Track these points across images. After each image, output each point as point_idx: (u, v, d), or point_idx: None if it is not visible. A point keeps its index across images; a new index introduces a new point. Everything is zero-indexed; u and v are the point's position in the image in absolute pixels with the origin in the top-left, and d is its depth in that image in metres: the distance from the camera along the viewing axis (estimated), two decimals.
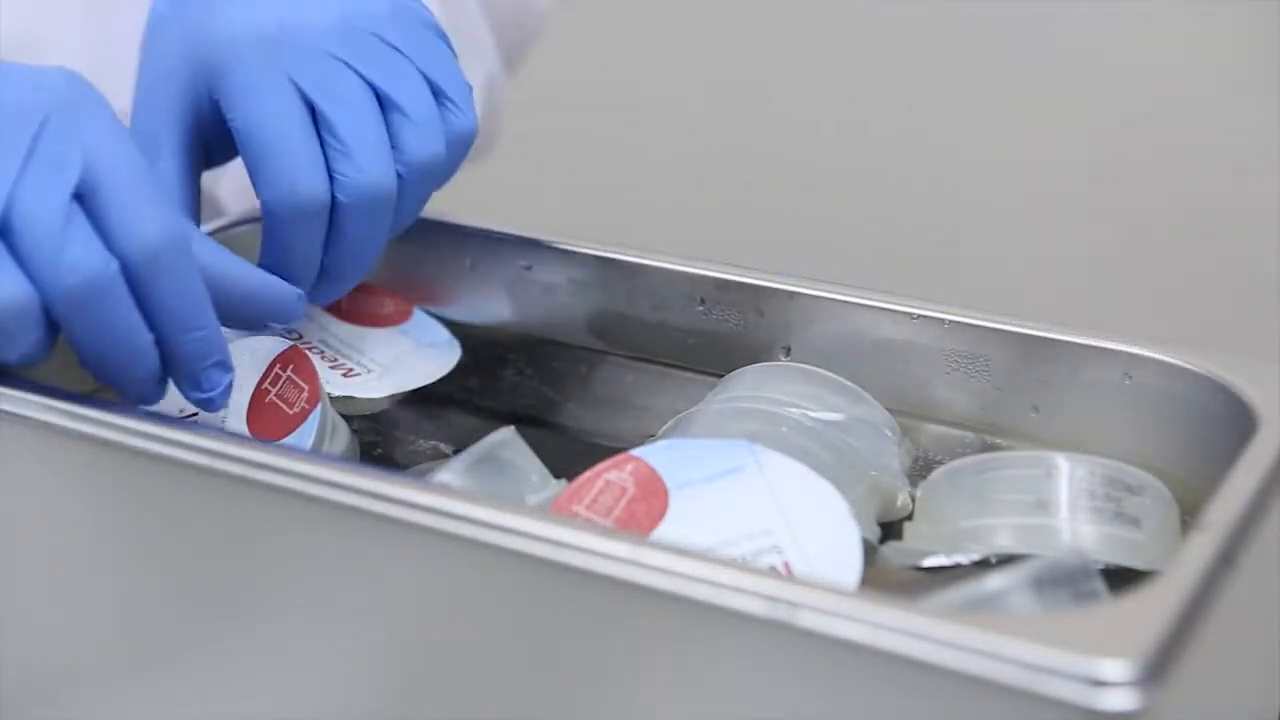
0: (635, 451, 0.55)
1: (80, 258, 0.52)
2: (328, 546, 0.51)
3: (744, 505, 0.53)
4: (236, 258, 0.60)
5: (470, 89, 0.64)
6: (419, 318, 0.70)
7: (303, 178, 0.60)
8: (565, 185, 1.46)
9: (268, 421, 0.61)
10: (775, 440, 0.57)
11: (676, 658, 0.47)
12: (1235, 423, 0.56)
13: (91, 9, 0.80)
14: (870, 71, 1.46)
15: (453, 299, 0.71)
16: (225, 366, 0.57)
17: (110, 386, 0.56)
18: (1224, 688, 0.49)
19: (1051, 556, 0.50)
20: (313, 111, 0.60)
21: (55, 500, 0.56)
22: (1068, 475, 0.56)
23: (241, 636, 0.53)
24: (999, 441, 0.63)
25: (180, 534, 0.54)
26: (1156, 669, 0.42)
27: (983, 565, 0.55)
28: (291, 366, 0.62)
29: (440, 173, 0.63)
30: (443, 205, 0.73)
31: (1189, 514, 0.56)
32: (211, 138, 0.63)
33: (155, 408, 0.56)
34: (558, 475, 0.58)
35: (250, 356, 0.61)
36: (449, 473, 0.56)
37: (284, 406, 0.61)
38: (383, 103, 0.61)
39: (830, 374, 0.62)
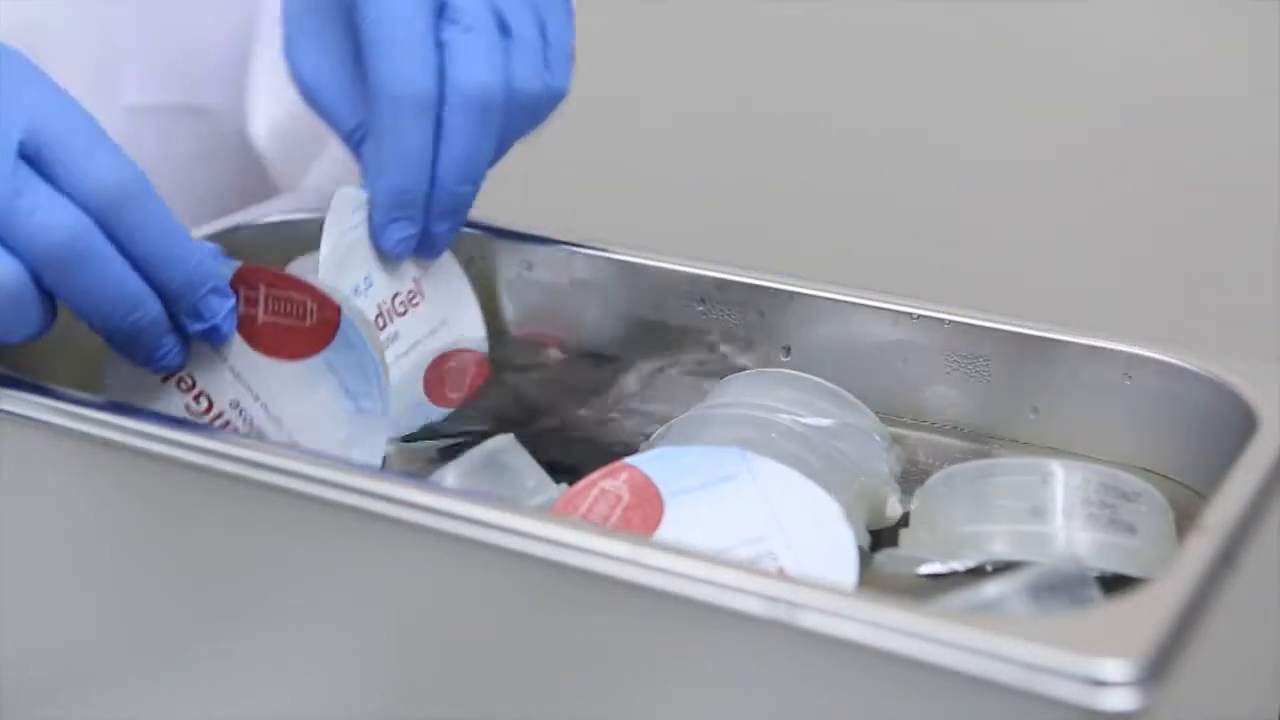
0: (630, 460, 0.55)
1: (48, 217, 0.52)
2: (328, 546, 0.51)
3: (738, 512, 0.53)
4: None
5: (573, 57, 0.66)
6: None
7: (419, 68, 0.61)
8: (565, 185, 1.46)
9: (284, 344, 0.58)
10: (766, 447, 0.57)
11: (676, 658, 0.47)
12: (1235, 423, 0.56)
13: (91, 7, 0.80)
14: (870, 72, 1.46)
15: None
16: (223, 292, 0.57)
17: (126, 352, 0.56)
18: (1224, 688, 0.49)
19: (1048, 563, 0.50)
20: (439, 14, 0.62)
21: (55, 500, 0.56)
22: (1064, 482, 0.56)
23: (241, 636, 0.53)
24: (999, 442, 0.63)
25: (180, 534, 0.54)
26: (1156, 669, 0.42)
27: (978, 572, 0.55)
28: (263, 283, 0.58)
29: (530, 116, 0.65)
30: None
31: (1188, 515, 0.56)
32: None
33: (179, 415, 0.56)
34: (556, 477, 0.58)
35: None
36: (448, 476, 0.56)
37: (290, 322, 0.59)
38: (501, 28, 0.63)
39: (820, 380, 0.62)
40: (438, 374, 0.66)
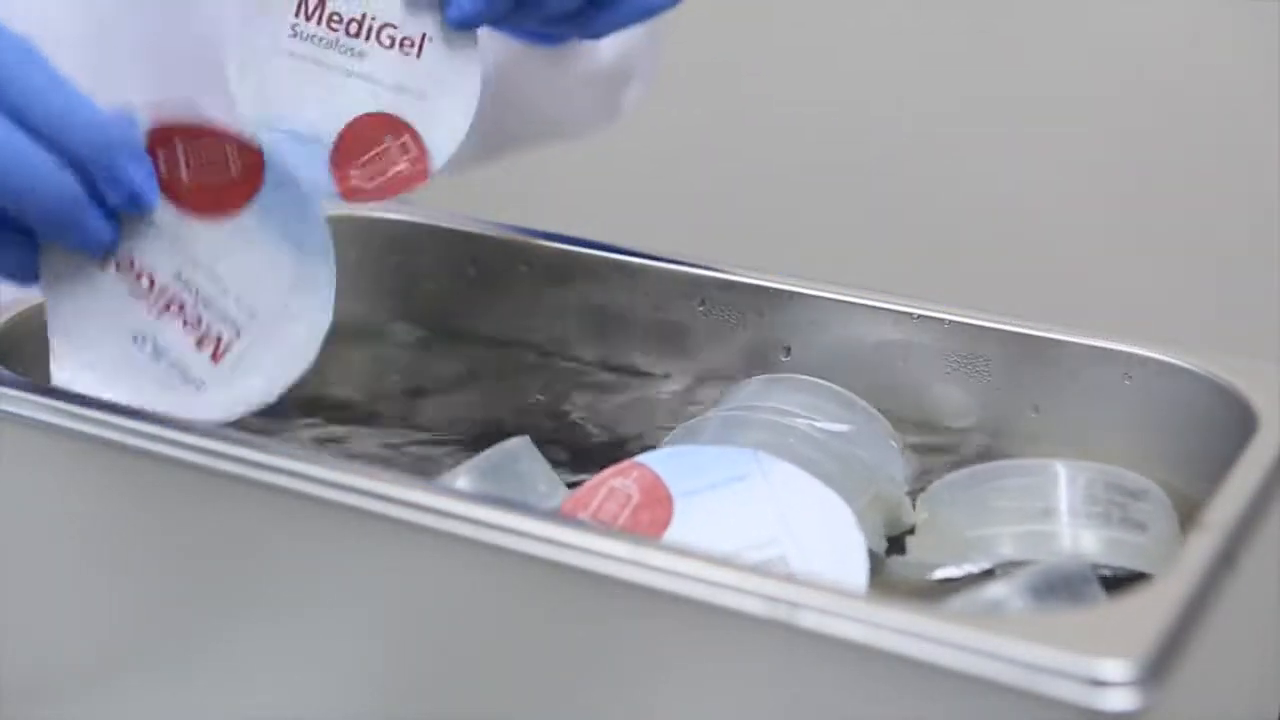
0: (640, 458, 0.55)
1: None
2: (329, 547, 0.51)
3: (748, 514, 0.53)
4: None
5: None
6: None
7: None
8: (565, 185, 1.46)
9: (213, 200, 0.57)
10: (782, 451, 0.57)
11: (677, 657, 0.47)
12: (1235, 423, 0.56)
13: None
14: (871, 72, 1.46)
15: (454, 301, 0.71)
16: (138, 157, 0.55)
17: (57, 238, 0.55)
18: (1224, 688, 0.49)
19: (1050, 562, 0.50)
20: None
21: (55, 500, 0.56)
22: (1072, 481, 0.56)
23: (242, 637, 0.53)
24: (999, 442, 0.63)
25: (180, 534, 0.54)
26: (1156, 669, 0.42)
27: (991, 575, 0.55)
28: (179, 139, 0.56)
29: None
30: (443, 206, 0.73)
31: (1188, 515, 0.56)
32: None
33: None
34: (563, 476, 0.58)
35: None
36: (460, 479, 0.56)
37: (215, 177, 0.57)
38: None
39: (837, 386, 0.62)
40: (359, 141, 0.61)
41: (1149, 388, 0.60)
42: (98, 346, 0.57)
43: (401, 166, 0.61)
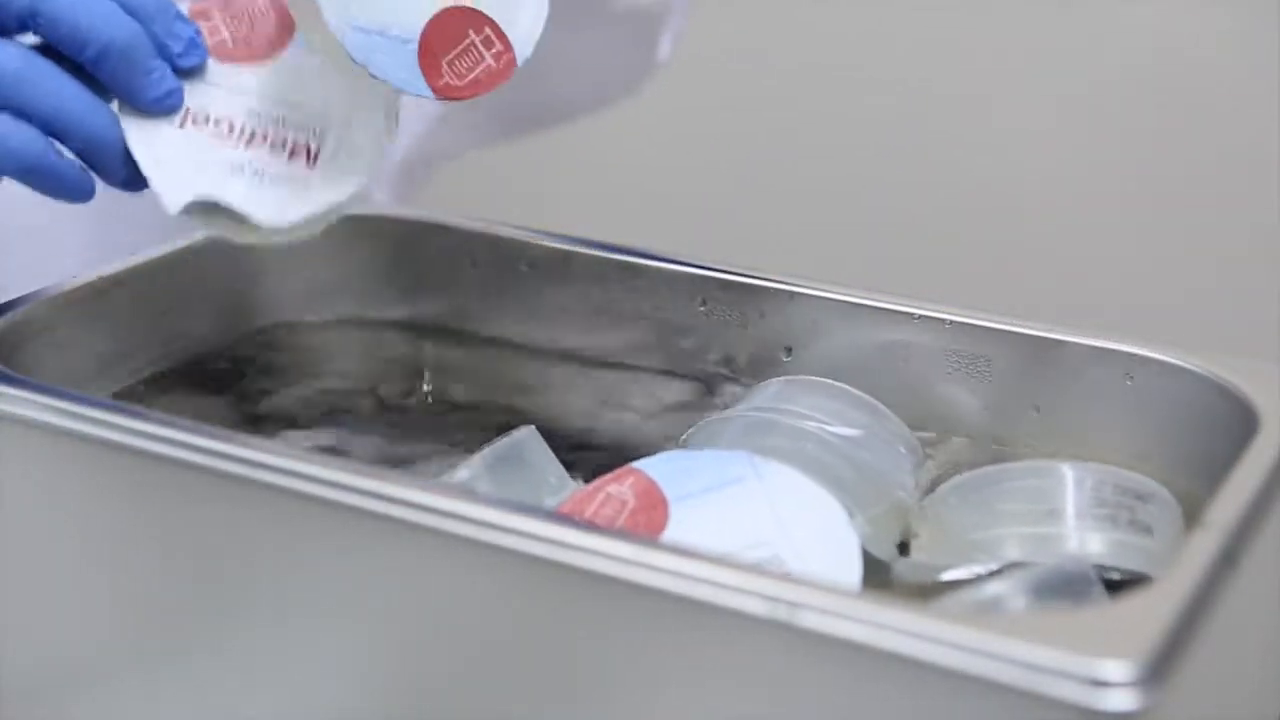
0: (635, 464, 0.55)
1: None
2: (329, 547, 0.51)
3: (743, 516, 0.53)
4: None
5: None
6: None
7: None
8: (566, 185, 1.46)
9: (261, 48, 0.60)
10: (799, 457, 0.57)
11: (678, 657, 0.47)
12: (1236, 423, 0.56)
13: None
14: (871, 71, 1.46)
15: (454, 300, 0.71)
16: (182, 16, 0.58)
17: (126, 90, 0.57)
18: (1225, 688, 0.49)
19: (1051, 563, 0.50)
20: None
21: (55, 500, 0.56)
22: (1079, 484, 0.56)
23: (242, 636, 0.53)
24: (1000, 442, 0.63)
25: (180, 534, 0.54)
26: (1157, 669, 0.42)
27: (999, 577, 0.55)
28: (216, 9, 0.60)
29: None
30: (443, 206, 0.73)
31: (1190, 515, 0.56)
32: None
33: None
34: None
35: None
36: (469, 470, 0.56)
37: (255, 29, 0.60)
38: None
39: (855, 390, 0.62)
40: (443, 37, 0.60)
41: (1150, 388, 0.60)
42: (198, 183, 0.58)
43: (488, 62, 0.60)
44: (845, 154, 1.48)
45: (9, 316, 0.62)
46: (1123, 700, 0.42)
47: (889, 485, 0.58)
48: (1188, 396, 0.59)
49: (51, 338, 0.63)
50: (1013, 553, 0.55)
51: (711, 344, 0.67)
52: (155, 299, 0.67)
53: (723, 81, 1.49)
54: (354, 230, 0.71)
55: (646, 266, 0.68)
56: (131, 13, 0.57)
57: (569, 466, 0.60)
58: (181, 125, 0.59)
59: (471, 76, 0.60)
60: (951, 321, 0.63)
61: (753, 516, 0.53)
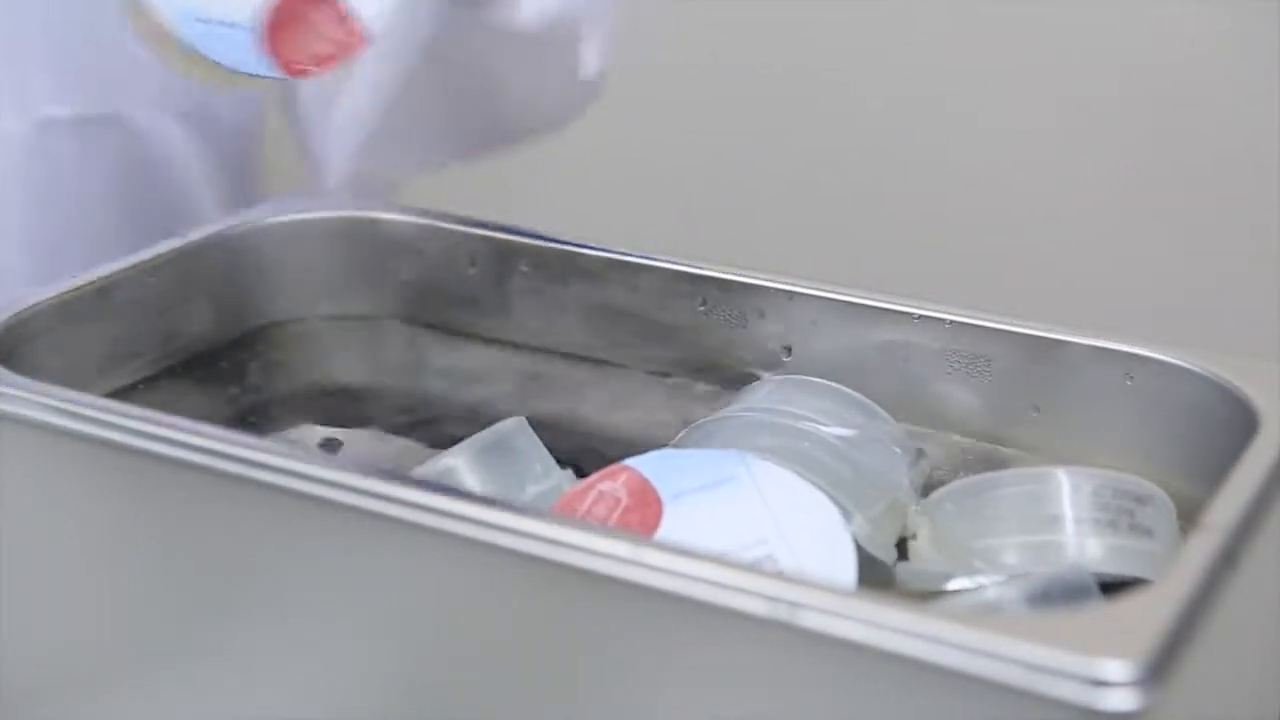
0: (628, 461, 0.55)
1: None
2: (327, 546, 0.51)
3: (737, 515, 0.53)
4: None
5: None
6: None
7: None
8: (566, 185, 1.46)
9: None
10: (797, 456, 0.57)
11: (677, 658, 0.47)
12: (1236, 423, 0.56)
13: None
14: (871, 72, 1.46)
15: (454, 301, 0.71)
16: None
17: None
18: (1225, 688, 0.49)
19: (1050, 571, 0.50)
20: None
21: (55, 500, 0.56)
22: (1079, 489, 0.56)
23: (240, 636, 0.53)
24: (1000, 443, 0.63)
25: (180, 534, 0.54)
26: (1157, 669, 0.42)
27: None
28: None
29: None
30: (443, 206, 0.73)
31: (1189, 515, 0.56)
32: None
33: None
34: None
35: None
36: (457, 457, 0.56)
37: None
38: None
39: (854, 392, 0.62)
40: (286, 17, 0.60)
41: (1150, 388, 0.60)
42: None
43: (337, 36, 0.61)
44: (845, 154, 1.48)
45: (9, 316, 0.62)
46: (1123, 700, 0.42)
47: (887, 485, 0.58)
48: (1188, 396, 0.59)
49: (51, 338, 0.63)
50: (1014, 561, 0.55)
51: (711, 344, 0.67)
52: (155, 299, 0.67)
53: (723, 81, 1.49)
54: (354, 230, 0.71)
55: (646, 266, 0.68)
56: None
57: (567, 466, 0.60)
58: None
59: (321, 51, 0.60)
60: (951, 321, 0.63)
61: (747, 515, 0.53)
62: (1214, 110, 1.39)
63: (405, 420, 0.68)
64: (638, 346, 0.68)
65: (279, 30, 0.59)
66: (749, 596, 0.45)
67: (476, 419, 0.67)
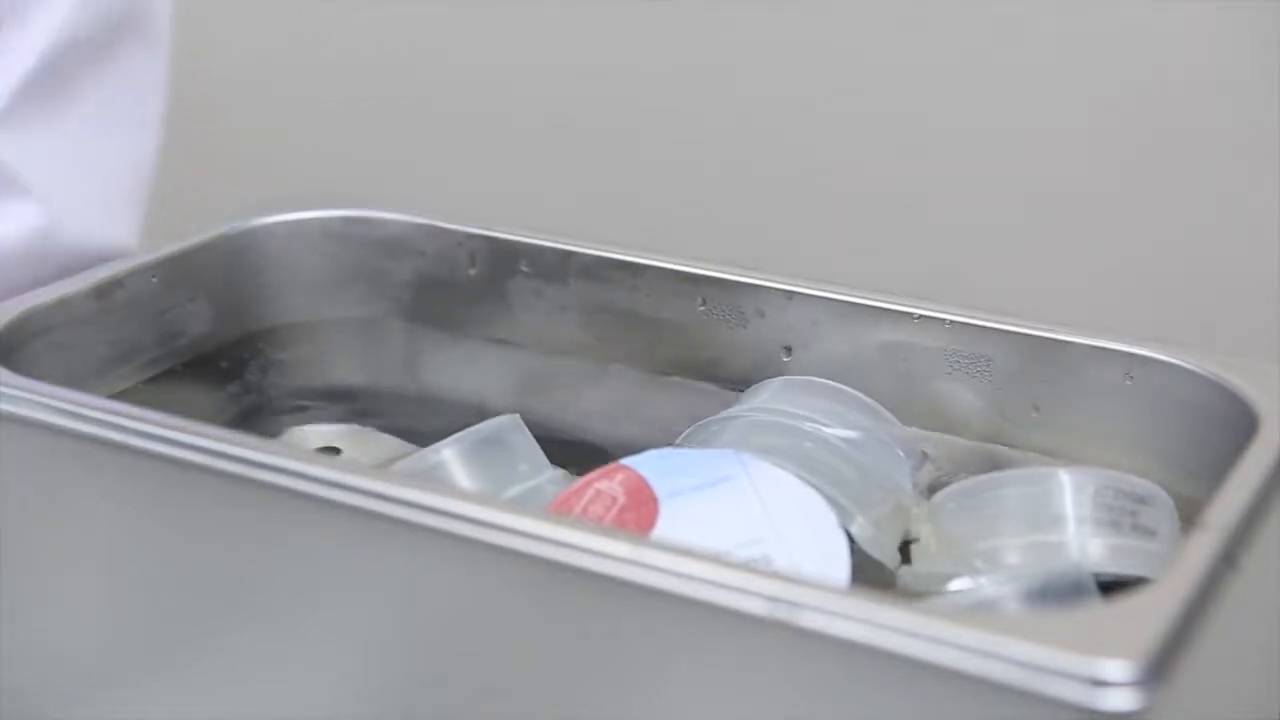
0: (625, 461, 0.55)
1: None
2: (327, 546, 0.51)
3: (733, 514, 0.53)
4: None
5: None
6: None
7: None
8: (565, 185, 1.46)
9: None
10: (799, 457, 0.57)
11: (677, 657, 0.47)
12: (1236, 423, 0.56)
13: None
14: (871, 71, 1.46)
15: (454, 301, 0.71)
16: None
17: None
18: (1225, 688, 0.49)
19: (1049, 571, 0.50)
20: None
21: (55, 500, 0.56)
22: (1081, 489, 0.56)
23: (241, 636, 0.53)
24: (1000, 443, 0.63)
25: (181, 534, 0.54)
26: (1157, 669, 0.42)
27: None
28: None
29: None
30: (443, 206, 0.73)
31: (1189, 515, 0.56)
32: None
33: None
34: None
35: None
36: (449, 449, 0.56)
37: None
38: None
39: (852, 390, 0.62)
40: None
41: (1150, 387, 0.60)
42: None
43: None
44: (845, 154, 1.48)
45: (9, 316, 0.62)
46: (1123, 700, 0.42)
47: (890, 486, 0.58)
48: (1188, 396, 0.59)
49: (51, 338, 0.63)
50: (1017, 562, 0.55)
51: (710, 344, 0.67)
52: (155, 299, 0.67)
53: (723, 81, 1.49)
54: (354, 230, 0.71)
55: (646, 266, 0.68)
56: None
57: (567, 466, 0.60)
58: None
59: None
60: (951, 321, 0.63)
61: (743, 514, 0.53)
62: (1214, 110, 1.39)
63: (405, 420, 0.68)
64: (637, 346, 0.68)
65: None
66: (748, 596, 0.45)
67: (476, 419, 0.67)
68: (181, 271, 0.68)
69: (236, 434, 0.53)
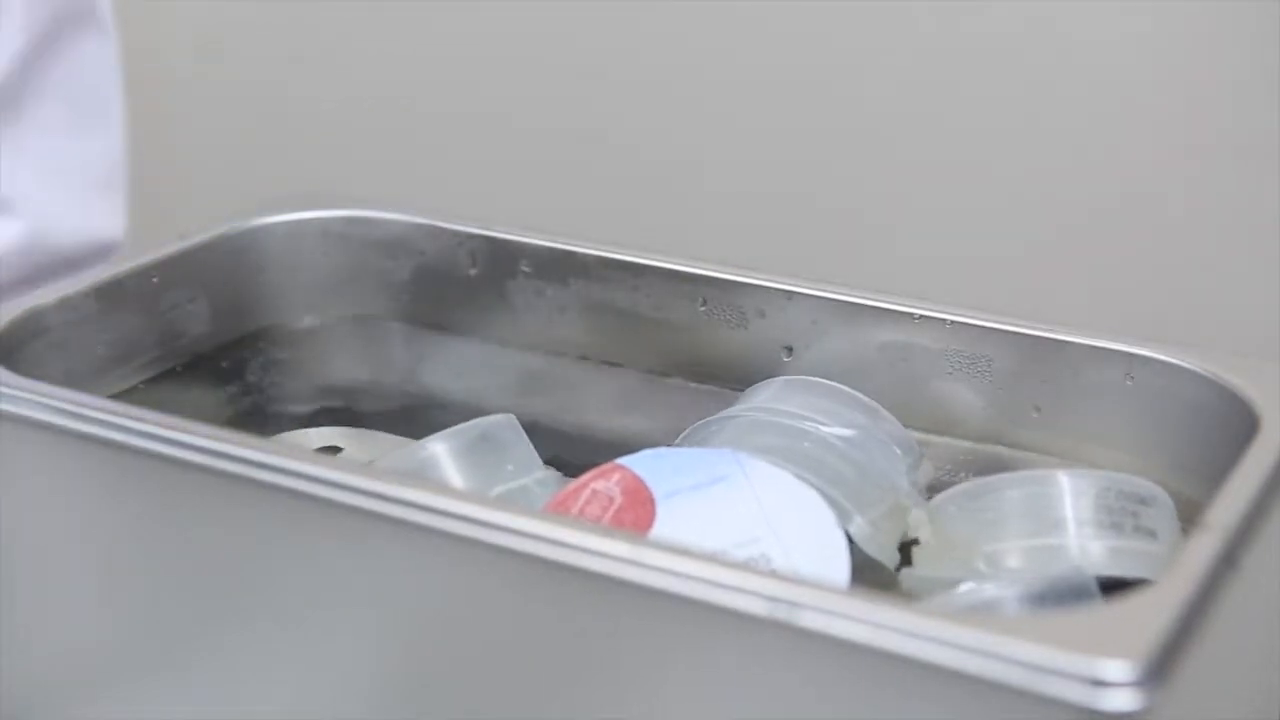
0: (622, 460, 0.55)
1: None
2: (327, 546, 0.51)
3: (731, 513, 0.53)
4: None
5: None
6: None
7: None
8: (566, 185, 1.46)
9: None
10: (798, 456, 0.57)
11: (675, 657, 0.47)
12: (1237, 423, 0.56)
13: None
14: (870, 71, 1.46)
15: (454, 301, 0.71)
16: None
17: None
18: (1225, 688, 0.49)
19: (1050, 573, 0.50)
20: None
21: (56, 500, 0.56)
22: (1083, 492, 0.56)
23: (240, 636, 0.53)
24: (1001, 443, 0.63)
25: (180, 534, 0.54)
26: (1158, 669, 0.42)
27: None
28: None
29: None
30: (442, 206, 0.73)
31: (1190, 515, 0.56)
32: None
33: None
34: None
35: None
36: (440, 445, 0.57)
37: None
38: None
39: (851, 390, 0.62)
40: None
41: (1151, 388, 0.60)
42: None
43: None
44: (846, 154, 1.48)
45: (9, 316, 0.62)
46: (1124, 700, 0.42)
47: (889, 486, 0.58)
48: (1188, 396, 0.59)
49: (51, 338, 0.63)
50: (1018, 565, 0.55)
51: (710, 344, 0.67)
52: (155, 299, 0.67)
53: (723, 80, 1.49)
54: (353, 230, 0.71)
55: (646, 266, 0.68)
56: None
57: (567, 466, 0.60)
58: None
59: None
60: (952, 321, 0.63)
61: (740, 514, 0.53)
62: (1214, 110, 1.39)
63: (406, 421, 0.68)
64: (637, 346, 0.68)
65: None
66: (748, 596, 0.45)
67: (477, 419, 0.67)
68: (181, 271, 0.68)
69: (236, 434, 0.53)
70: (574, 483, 0.55)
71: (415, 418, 0.68)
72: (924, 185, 1.47)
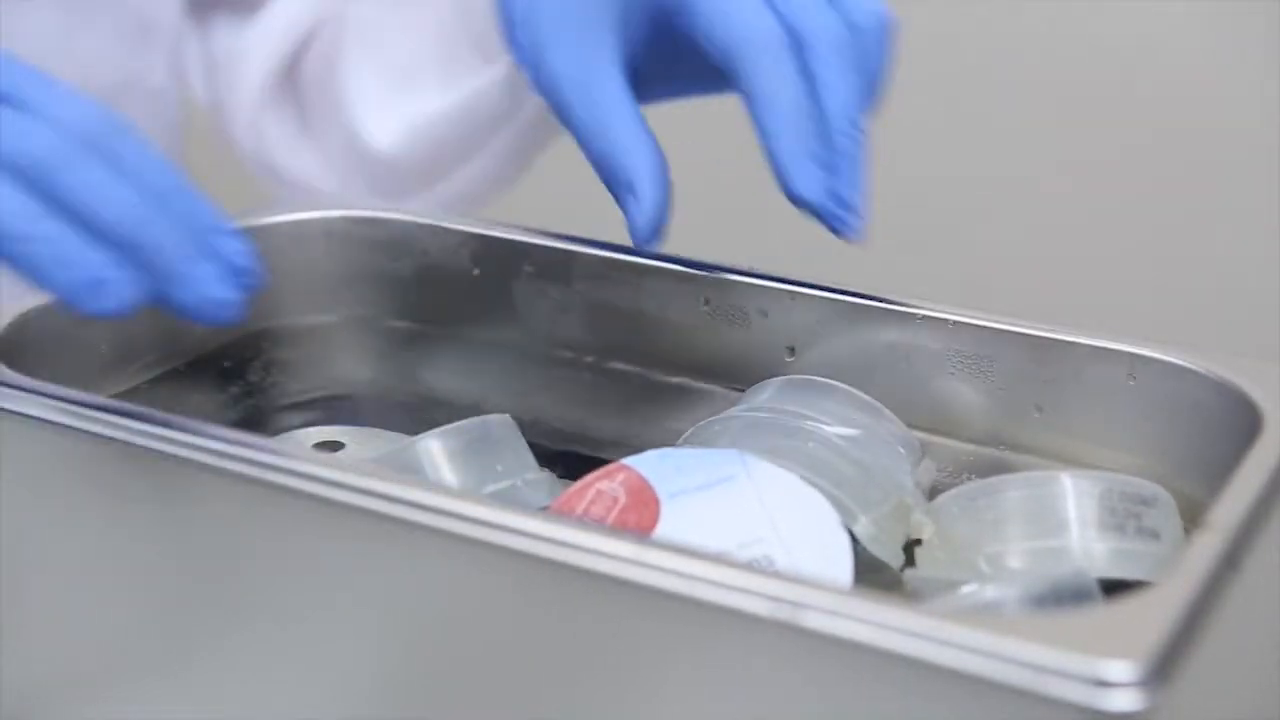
0: (626, 461, 0.55)
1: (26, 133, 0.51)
2: (329, 546, 0.51)
3: (735, 514, 0.53)
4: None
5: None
6: None
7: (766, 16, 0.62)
8: (566, 185, 1.46)
9: None
10: (801, 457, 0.57)
11: (679, 657, 0.47)
12: (1239, 423, 0.56)
13: None
14: None
15: (455, 301, 0.71)
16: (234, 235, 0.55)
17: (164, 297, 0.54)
18: (1228, 688, 0.49)
19: (1053, 574, 0.50)
20: None
21: (57, 500, 0.56)
22: (1087, 494, 0.55)
23: (242, 636, 0.53)
24: (1003, 443, 0.63)
25: (181, 533, 0.54)
26: (1160, 670, 0.42)
27: None
28: None
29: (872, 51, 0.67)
30: (443, 206, 0.73)
31: (1192, 516, 0.56)
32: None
33: None
34: (560, 478, 0.58)
35: None
36: (433, 442, 0.57)
37: None
38: None
39: (854, 390, 0.62)
40: None
41: (1153, 388, 0.60)
42: None
43: None
44: None
45: (10, 316, 0.62)
46: (1126, 701, 0.42)
47: (892, 486, 0.58)
48: (1191, 396, 0.59)
49: (54, 338, 0.63)
50: (1022, 566, 0.55)
51: (713, 344, 0.67)
52: None
53: None
54: (354, 230, 0.71)
55: (648, 266, 0.68)
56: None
57: (568, 466, 0.60)
58: None
59: None
60: (954, 321, 0.63)
61: (744, 514, 0.53)
62: (1215, 110, 1.39)
63: (407, 421, 0.68)
64: (640, 346, 0.68)
65: None
66: (751, 597, 0.45)
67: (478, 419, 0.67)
68: None
69: (238, 434, 0.53)
70: (579, 482, 0.55)
71: (418, 418, 0.68)
72: (926, 185, 1.47)
